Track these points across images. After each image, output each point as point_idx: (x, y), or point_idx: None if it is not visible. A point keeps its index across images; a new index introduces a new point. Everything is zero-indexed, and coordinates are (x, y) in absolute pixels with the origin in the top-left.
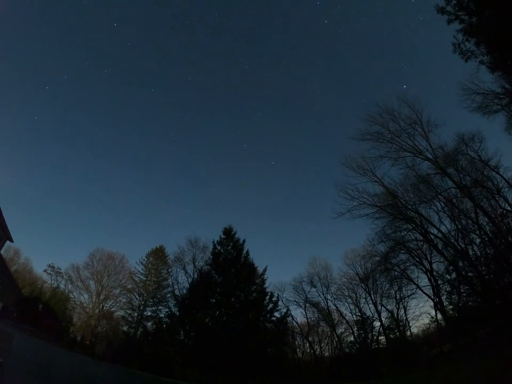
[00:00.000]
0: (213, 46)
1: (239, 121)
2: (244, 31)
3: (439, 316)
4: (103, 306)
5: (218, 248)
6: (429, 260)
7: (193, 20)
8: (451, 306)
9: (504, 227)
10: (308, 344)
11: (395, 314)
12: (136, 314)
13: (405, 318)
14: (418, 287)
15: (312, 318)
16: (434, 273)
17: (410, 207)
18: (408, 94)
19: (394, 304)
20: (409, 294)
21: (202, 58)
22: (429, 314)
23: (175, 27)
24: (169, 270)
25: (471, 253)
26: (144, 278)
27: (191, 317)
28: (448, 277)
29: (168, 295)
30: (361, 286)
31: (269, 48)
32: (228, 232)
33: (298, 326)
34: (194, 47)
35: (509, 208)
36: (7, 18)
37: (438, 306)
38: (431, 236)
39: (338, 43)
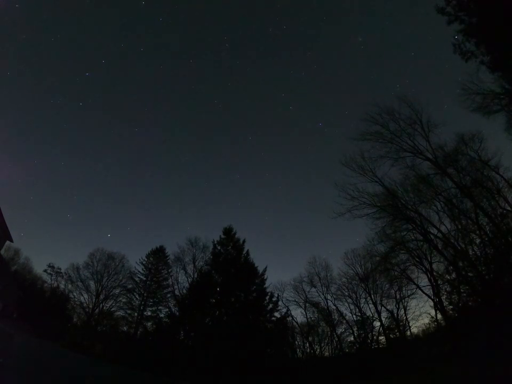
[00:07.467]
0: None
1: (235, 131)
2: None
3: (439, 316)
4: (103, 306)
5: (218, 248)
6: (429, 260)
7: None
8: (451, 306)
9: (504, 227)
10: (308, 344)
11: (395, 314)
12: (136, 314)
13: (405, 318)
14: (418, 287)
15: (312, 318)
16: (434, 273)
17: (410, 207)
18: (408, 94)
19: (394, 304)
20: (409, 294)
21: (237, 25)
22: (429, 314)
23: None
24: (169, 270)
25: (471, 253)
26: (144, 278)
27: (191, 317)
28: (448, 277)
29: (168, 295)
30: (361, 286)
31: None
32: (228, 232)
33: (298, 326)
34: (229, 16)
35: (509, 208)
36: (44, 10)
37: (438, 306)
38: (431, 236)
39: (338, 40)
